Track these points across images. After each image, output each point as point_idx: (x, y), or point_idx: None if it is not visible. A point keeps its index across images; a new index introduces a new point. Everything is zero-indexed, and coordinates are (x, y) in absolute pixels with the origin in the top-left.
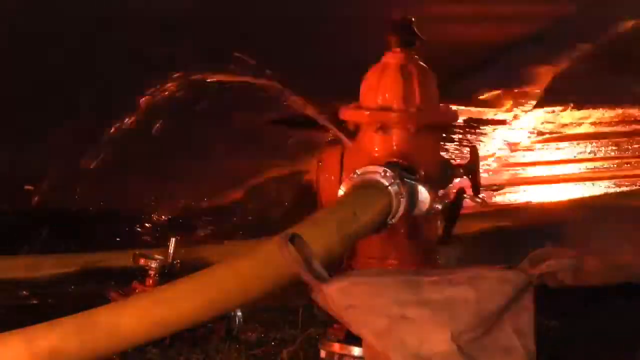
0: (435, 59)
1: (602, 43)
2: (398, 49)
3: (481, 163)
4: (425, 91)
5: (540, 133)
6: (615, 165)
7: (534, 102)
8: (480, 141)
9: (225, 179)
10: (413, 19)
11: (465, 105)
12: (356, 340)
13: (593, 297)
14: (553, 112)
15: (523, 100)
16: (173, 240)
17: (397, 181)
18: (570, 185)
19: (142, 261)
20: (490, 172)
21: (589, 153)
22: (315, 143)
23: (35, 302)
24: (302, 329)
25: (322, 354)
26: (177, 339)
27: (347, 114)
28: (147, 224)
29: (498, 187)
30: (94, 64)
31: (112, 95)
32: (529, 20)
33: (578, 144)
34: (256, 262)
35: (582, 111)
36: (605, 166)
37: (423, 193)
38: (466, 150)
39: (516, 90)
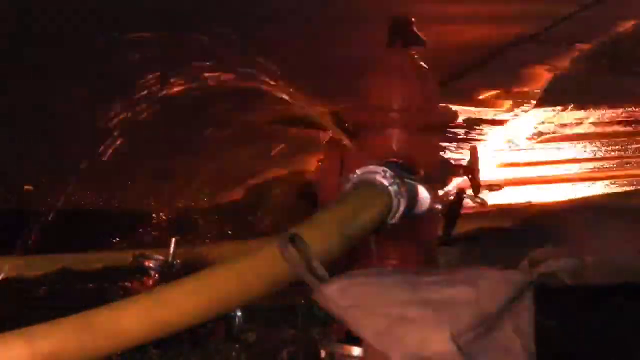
0: (435, 59)
1: (602, 43)
2: (398, 49)
3: (481, 163)
4: (425, 91)
5: (540, 133)
6: (615, 165)
7: (533, 102)
8: (480, 141)
9: (226, 179)
10: (413, 19)
11: (465, 105)
12: (356, 340)
13: (593, 297)
14: (553, 112)
15: (523, 100)
16: (173, 240)
17: (397, 181)
18: (571, 185)
19: (142, 261)
20: (490, 172)
21: (589, 153)
22: (315, 143)
23: (34, 301)
24: (302, 329)
25: (322, 354)
26: (177, 339)
27: (347, 113)
28: (147, 224)
29: (498, 187)
30: (93, 63)
31: (112, 95)
32: (529, 20)
33: (578, 143)
34: (256, 262)
35: (582, 111)
36: (605, 166)
37: (423, 193)
38: (466, 150)
39: (516, 90)
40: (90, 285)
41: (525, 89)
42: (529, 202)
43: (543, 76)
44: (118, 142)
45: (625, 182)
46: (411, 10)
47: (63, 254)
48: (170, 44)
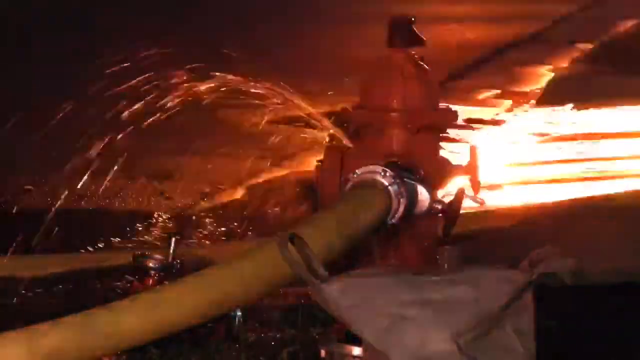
0: (435, 59)
1: (602, 43)
2: (398, 49)
3: (481, 163)
4: (425, 91)
5: (540, 133)
6: (614, 165)
7: (533, 102)
8: (480, 141)
9: (225, 179)
10: (413, 19)
11: (465, 105)
12: (356, 340)
13: (593, 297)
14: (552, 111)
15: (522, 100)
16: (173, 240)
17: (397, 181)
18: (570, 185)
19: (142, 261)
20: (490, 172)
21: (589, 153)
22: (315, 143)
23: (34, 301)
24: (302, 329)
25: (322, 354)
26: (177, 339)
27: (348, 114)
28: (147, 224)
29: (498, 187)
30: (93, 62)
31: (112, 94)
32: (529, 20)
33: (578, 143)
34: (256, 262)
35: (581, 111)
36: (604, 166)
37: (423, 193)
38: (466, 150)
39: (516, 90)
40: (91, 285)
41: (525, 89)
42: (529, 202)
43: (543, 76)
44: (118, 143)
45: (624, 182)
46: (411, 10)
47: (63, 253)
48: (171, 45)
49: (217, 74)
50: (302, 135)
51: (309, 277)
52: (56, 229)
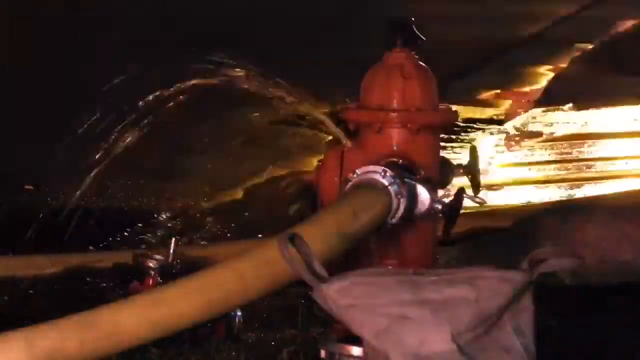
0: (435, 59)
1: (602, 43)
2: (398, 49)
3: (480, 163)
4: (425, 91)
5: (539, 133)
6: (614, 165)
7: (533, 102)
8: (480, 141)
9: (226, 179)
10: (413, 19)
11: (465, 105)
12: (356, 340)
13: (593, 297)
14: (553, 112)
15: (522, 100)
16: (173, 240)
17: (397, 181)
18: (570, 185)
19: (142, 261)
20: (490, 172)
21: (588, 153)
22: (315, 143)
23: (34, 301)
24: (302, 329)
25: (322, 354)
26: (177, 339)
27: (348, 114)
28: (147, 224)
29: (498, 187)
30: (93, 61)
31: (112, 93)
32: (529, 20)
33: (577, 143)
34: (256, 262)
35: (581, 111)
36: (604, 166)
37: (423, 193)
38: (466, 150)
39: (516, 90)
40: (91, 285)
41: (525, 89)
42: (529, 202)
43: (543, 76)
44: (118, 142)
45: (624, 182)
46: (411, 10)
47: (63, 253)
48: (170, 44)
49: (216, 73)
50: (302, 135)
51: (308, 277)
52: (56, 229)
